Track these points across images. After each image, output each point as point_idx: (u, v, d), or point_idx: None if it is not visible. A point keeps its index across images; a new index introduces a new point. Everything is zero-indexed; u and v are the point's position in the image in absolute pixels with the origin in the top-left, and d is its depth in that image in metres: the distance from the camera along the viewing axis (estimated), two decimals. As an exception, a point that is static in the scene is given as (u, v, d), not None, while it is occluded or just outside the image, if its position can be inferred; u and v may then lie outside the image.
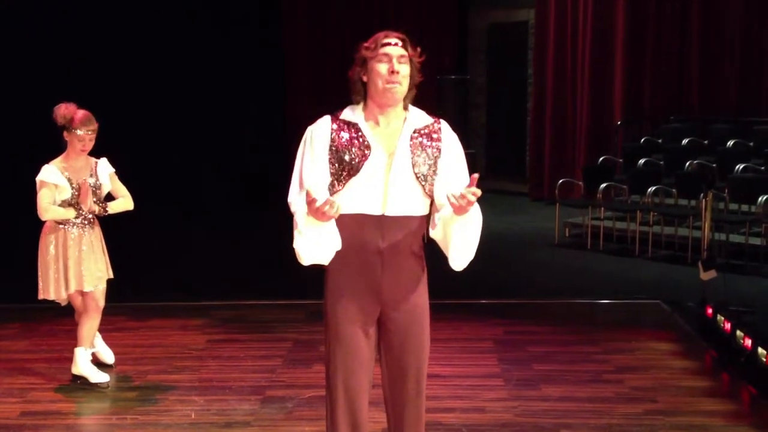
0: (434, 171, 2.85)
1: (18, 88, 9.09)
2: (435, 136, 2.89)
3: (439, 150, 2.87)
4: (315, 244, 2.75)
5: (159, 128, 10.10)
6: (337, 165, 2.81)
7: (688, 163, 8.74)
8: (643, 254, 8.11)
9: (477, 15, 12.55)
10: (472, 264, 2.88)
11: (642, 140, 10.06)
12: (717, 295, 5.71)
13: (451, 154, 2.90)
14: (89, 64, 9.63)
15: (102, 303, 4.71)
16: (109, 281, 4.76)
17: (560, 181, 9.42)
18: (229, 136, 10.49)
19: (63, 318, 5.88)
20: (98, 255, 4.66)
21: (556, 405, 4.38)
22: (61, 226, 4.54)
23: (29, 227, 4.77)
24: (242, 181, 10.58)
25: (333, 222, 2.74)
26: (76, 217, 4.55)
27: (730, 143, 9.28)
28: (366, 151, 2.80)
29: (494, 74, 12.53)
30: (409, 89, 2.86)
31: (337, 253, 2.81)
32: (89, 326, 4.71)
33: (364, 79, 2.83)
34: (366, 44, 2.83)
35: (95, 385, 4.67)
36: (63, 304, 4.73)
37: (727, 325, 5.24)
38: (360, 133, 2.83)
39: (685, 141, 9.54)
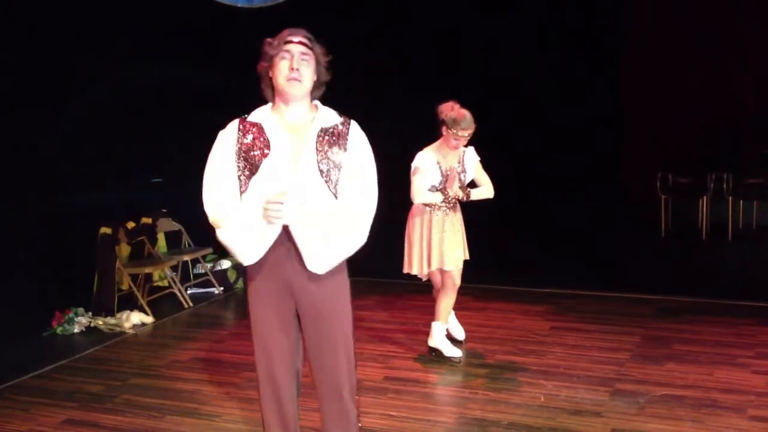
0: (339, 170, 2.86)
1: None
2: (342, 135, 2.91)
3: (345, 150, 2.89)
4: (259, 240, 2.85)
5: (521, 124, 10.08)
6: (242, 166, 2.85)
7: None
8: None
9: None
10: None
11: None
12: None
13: (353, 154, 2.90)
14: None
15: (458, 282, 4.98)
16: (465, 262, 5.02)
17: None
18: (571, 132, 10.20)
19: (416, 294, 6.35)
20: (458, 237, 4.92)
21: None
22: (427, 209, 4.86)
23: (400, 209, 5.08)
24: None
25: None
26: (442, 202, 4.85)
27: None
28: (266, 150, 2.83)
29: None
30: (315, 87, 2.91)
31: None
32: (446, 303, 5.00)
33: (270, 74, 2.87)
34: (269, 40, 2.86)
35: (448, 358, 4.96)
36: (424, 279, 5.08)
37: None
38: (262, 133, 2.86)
39: None
